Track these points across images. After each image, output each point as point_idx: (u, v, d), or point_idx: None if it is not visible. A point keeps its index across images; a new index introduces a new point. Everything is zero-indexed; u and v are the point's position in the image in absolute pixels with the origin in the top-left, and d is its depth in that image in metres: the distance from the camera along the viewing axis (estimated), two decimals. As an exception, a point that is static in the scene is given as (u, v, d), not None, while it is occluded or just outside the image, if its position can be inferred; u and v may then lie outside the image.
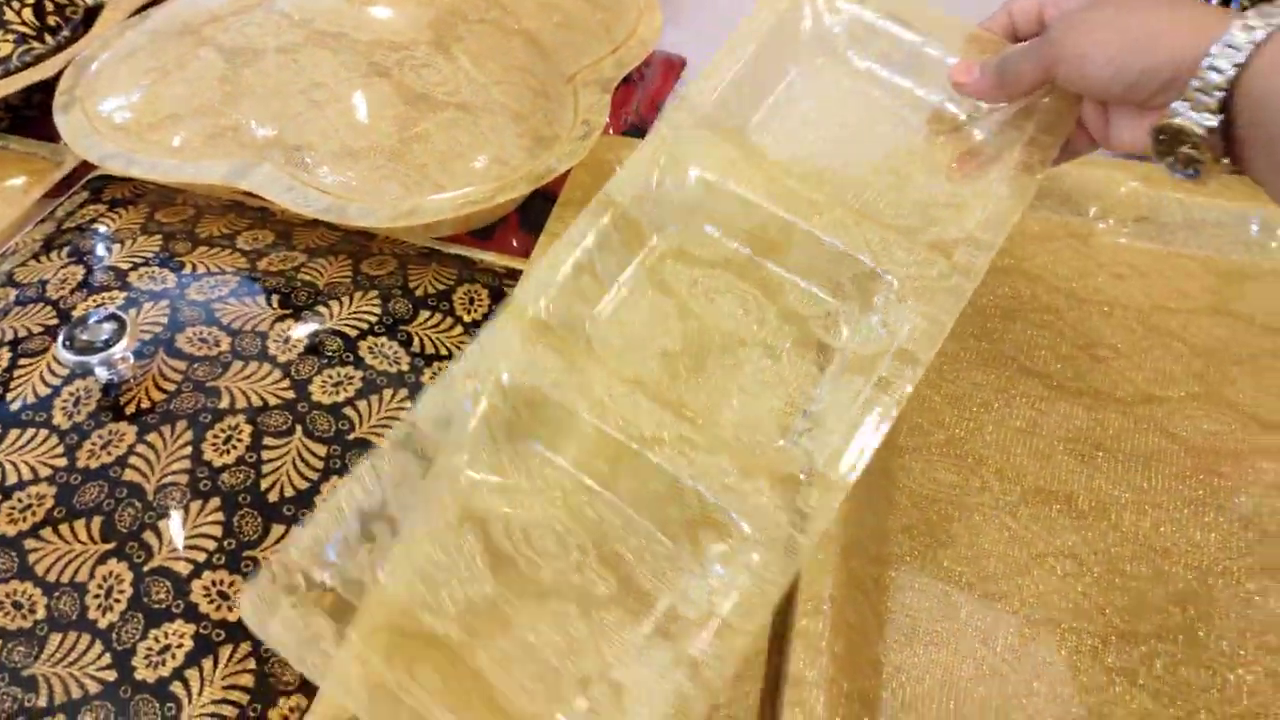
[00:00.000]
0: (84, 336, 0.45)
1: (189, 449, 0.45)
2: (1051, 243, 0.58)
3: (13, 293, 0.52)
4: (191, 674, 0.40)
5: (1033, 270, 0.57)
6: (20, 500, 0.43)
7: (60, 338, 0.45)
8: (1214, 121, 0.36)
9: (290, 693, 0.40)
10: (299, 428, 0.46)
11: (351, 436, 0.47)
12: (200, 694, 0.39)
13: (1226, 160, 0.37)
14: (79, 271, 0.53)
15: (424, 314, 0.53)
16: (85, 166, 0.62)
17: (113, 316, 0.46)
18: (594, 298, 0.43)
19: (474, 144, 0.57)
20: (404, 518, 0.38)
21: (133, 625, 0.41)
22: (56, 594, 0.41)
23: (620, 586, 0.39)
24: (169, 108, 0.58)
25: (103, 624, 0.41)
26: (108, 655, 0.40)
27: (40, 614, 0.41)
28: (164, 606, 0.41)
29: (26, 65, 0.66)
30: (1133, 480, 0.47)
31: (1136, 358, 0.52)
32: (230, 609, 0.41)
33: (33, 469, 0.44)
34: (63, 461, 0.44)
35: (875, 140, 0.48)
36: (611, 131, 0.69)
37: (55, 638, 0.40)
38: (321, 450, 0.46)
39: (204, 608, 0.41)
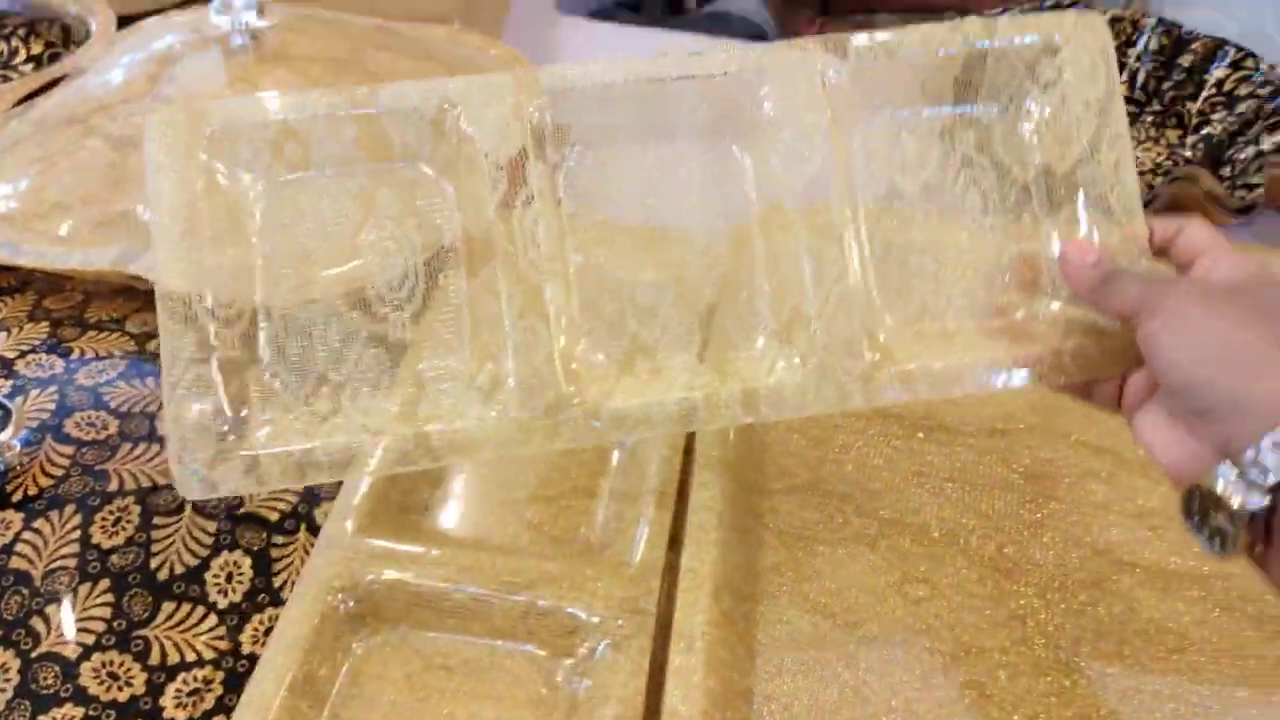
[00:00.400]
0: None
1: (78, 533, 0.46)
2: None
3: None
4: None
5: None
6: None
7: None
8: (1260, 505, 0.31)
9: None
10: (188, 505, 0.48)
11: (241, 512, 0.48)
12: None
13: (1260, 548, 0.33)
14: None
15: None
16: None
17: None
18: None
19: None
20: None
21: (19, 714, 0.41)
22: None
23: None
24: (55, 196, 0.60)
25: None
26: None
27: None
28: (52, 692, 0.42)
29: (-93, 158, 0.67)
30: (979, 508, 0.51)
31: (983, 396, 0.56)
32: (120, 689, 0.42)
33: None
34: None
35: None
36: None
37: None
38: (211, 526, 0.47)
39: (94, 689, 0.42)
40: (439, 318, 0.40)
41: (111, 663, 0.43)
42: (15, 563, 0.45)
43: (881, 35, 0.41)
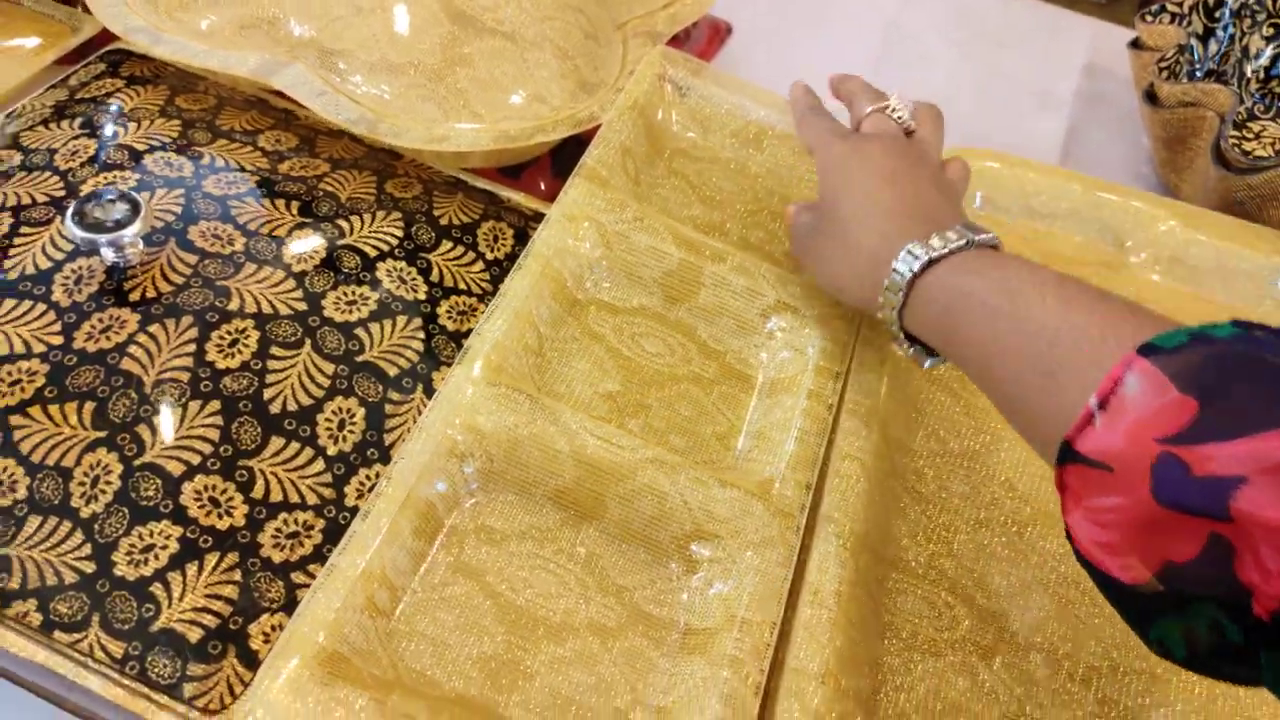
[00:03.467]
0: (96, 214, 0.43)
1: (193, 346, 0.43)
2: (1082, 268, 0.57)
3: (18, 156, 0.49)
4: (174, 577, 0.38)
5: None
6: (9, 374, 0.41)
7: (69, 211, 0.43)
8: (910, 350, 0.42)
9: (274, 610, 0.39)
10: (308, 341, 0.44)
11: (360, 359, 0.45)
12: (181, 599, 0.38)
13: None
14: (90, 145, 0.50)
15: (446, 244, 0.51)
16: (105, 37, 0.59)
17: (127, 197, 0.44)
18: (535, 348, 0.46)
19: (517, 77, 0.55)
20: (400, 582, 0.39)
21: (117, 519, 0.39)
22: (40, 476, 0.39)
23: (629, 615, 0.40)
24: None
25: (85, 513, 0.39)
26: (88, 546, 0.38)
27: (21, 494, 0.39)
28: (152, 505, 0.39)
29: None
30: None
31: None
32: (220, 516, 0.40)
33: (26, 343, 0.42)
34: (58, 340, 0.42)
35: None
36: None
37: (34, 520, 0.38)
38: (329, 369, 0.44)
39: (193, 511, 0.39)
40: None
41: (214, 488, 0.40)
42: (127, 364, 0.42)
43: None
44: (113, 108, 0.53)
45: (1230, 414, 0.27)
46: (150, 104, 0.54)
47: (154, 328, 0.43)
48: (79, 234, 0.42)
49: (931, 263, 0.39)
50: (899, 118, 0.48)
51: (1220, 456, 0.26)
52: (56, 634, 0.37)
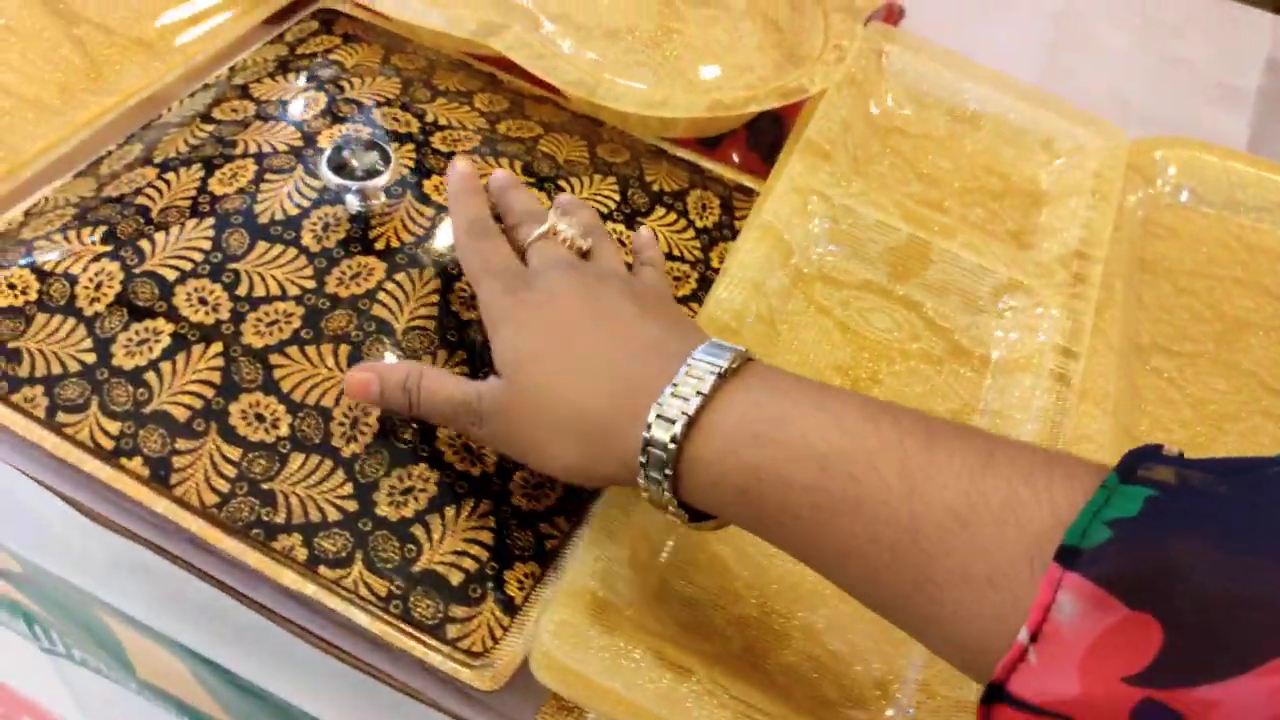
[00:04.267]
0: (353, 162, 0.43)
1: (436, 298, 0.43)
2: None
3: (252, 107, 0.50)
4: (433, 520, 0.38)
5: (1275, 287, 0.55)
6: (268, 314, 0.42)
7: (325, 157, 0.43)
8: (683, 518, 0.32)
9: (525, 559, 0.39)
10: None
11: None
12: (441, 541, 0.38)
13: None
14: (320, 97, 0.51)
15: (660, 210, 0.51)
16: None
17: (378, 147, 0.44)
18: (768, 318, 0.46)
19: (729, 47, 0.55)
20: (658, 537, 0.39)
21: (376, 461, 0.39)
22: (301, 415, 0.40)
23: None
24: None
25: (346, 453, 0.39)
26: (350, 485, 0.39)
27: (283, 431, 0.39)
28: (410, 448, 0.40)
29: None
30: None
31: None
32: (472, 463, 0.40)
33: (281, 286, 0.42)
34: (311, 284, 0.43)
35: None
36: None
37: (297, 457, 0.39)
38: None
39: (449, 457, 0.40)
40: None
41: (463, 436, 0.40)
42: (378, 310, 0.42)
43: None
44: (334, 63, 0.54)
45: (1210, 636, 0.21)
46: (368, 61, 0.54)
47: (400, 276, 0.43)
48: (334, 180, 0.43)
49: (691, 423, 0.30)
50: (567, 239, 0.39)
51: (1226, 702, 0.21)
52: (322, 569, 0.37)
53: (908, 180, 0.54)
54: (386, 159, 0.44)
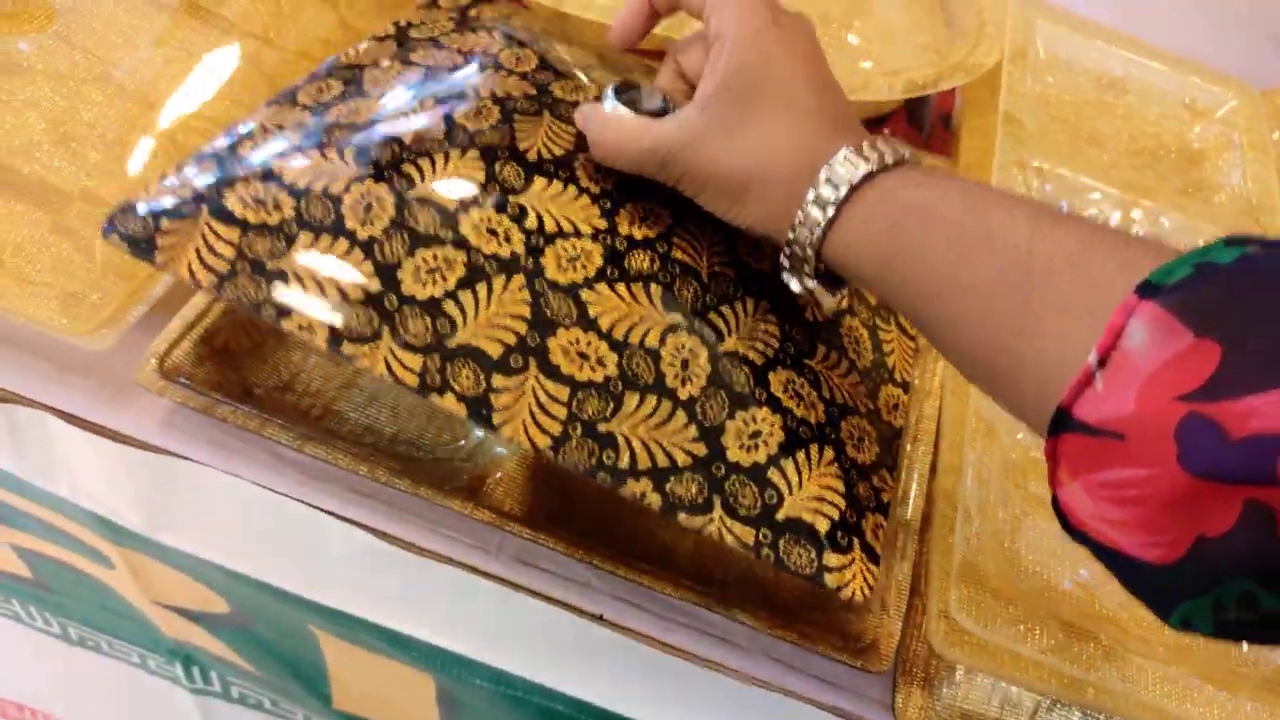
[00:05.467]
0: (642, 102, 0.40)
1: (723, 245, 0.42)
2: None
3: (458, 56, 0.46)
4: (787, 465, 0.37)
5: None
6: (566, 250, 0.39)
7: (611, 91, 0.40)
8: (812, 284, 0.36)
9: (873, 510, 0.39)
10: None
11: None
12: (800, 488, 0.37)
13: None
14: (530, 54, 0.47)
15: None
16: None
17: (660, 93, 0.41)
18: None
19: (911, 27, 0.57)
20: None
21: (717, 403, 0.38)
22: (626, 353, 0.38)
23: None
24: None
25: (683, 395, 0.37)
26: (694, 428, 0.37)
27: (611, 370, 0.37)
28: (747, 391, 0.38)
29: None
30: None
31: None
32: (809, 408, 0.39)
33: (573, 223, 0.40)
34: (603, 224, 0.40)
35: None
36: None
37: (632, 398, 0.37)
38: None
39: (786, 402, 0.39)
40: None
41: (794, 381, 0.40)
42: (677, 254, 0.41)
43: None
44: (519, 26, 0.51)
45: (1263, 357, 0.23)
46: (550, 30, 0.53)
47: (689, 224, 0.42)
48: (628, 114, 0.39)
49: (873, 174, 0.33)
50: None
51: (1264, 410, 0.22)
52: (681, 516, 0.36)
53: (1080, 146, 0.57)
54: (669, 103, 0.41)
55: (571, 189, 0.41)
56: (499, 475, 0.42)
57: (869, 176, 0.32)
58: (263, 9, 0.54)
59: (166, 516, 0.46)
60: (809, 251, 0.34)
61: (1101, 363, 0.25)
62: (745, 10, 0.36)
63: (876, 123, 0.62)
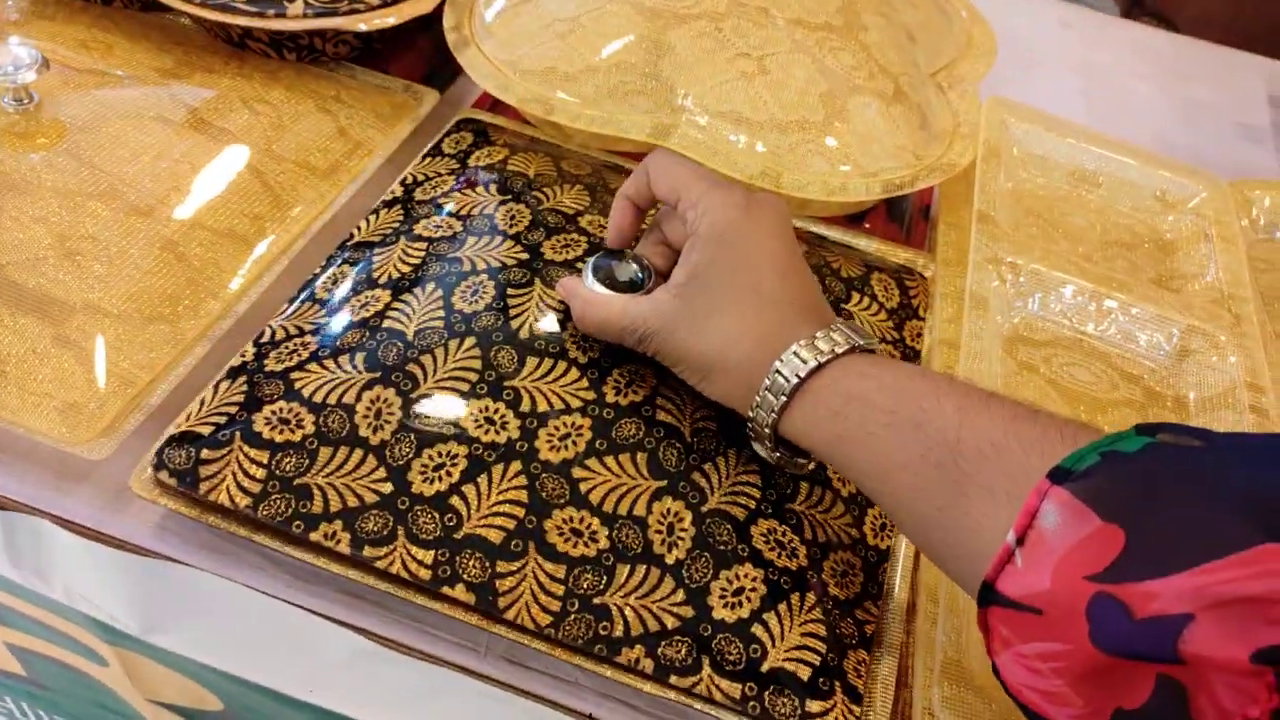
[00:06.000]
0: (616, 274, 0.45)
1: (706, 410, 0.45)
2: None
3: (457, 223, 0.51)
4: (769, 618, 0.40)
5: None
6: (558, 428, 0.43)
7: (590, 272, 0.45)
8: (774, 456, 0.40)
9: (855, 646, 0.41)
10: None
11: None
12: (782, 638, 0.40)
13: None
14: (524, 211, 0.52)
15: (855, 296, 0.54)
16: (441, 107, 0.62)
17: (638, 260, 0.46)
18: (998, 387, 0.50)
19: (886, 130, 0.59)
20: None
21: (702, 565, 0.41)
22: (617, 525, 0.41)
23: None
24: (585, 59, 0.58)
25: (670, 560, 0.40)
26: (681, 591, 0.40)
27: (603, 544, 0.40)
28: (729, 548, 0.41)
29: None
30: None
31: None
32: (790, 557, 0.42)
33: (564, 400, 0.44)
34: (591, 395, 0.44)
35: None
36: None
37: (623, 569, 0.40)
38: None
39: (767, 554, 0.41)
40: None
41: (774, 530, 0.42)
42: (661, 415, 0.44)
43: None
44: (517, 174, 0.55)
45: (1162, 543, 0.25)
46: (546, 170, 0.56)
47: (672, 382, 0.45)
48: (603, 293, 0.44)
49: (821, 365, 0.36)
50: None
51: (1164, 594, 0.24)
52: (673, 678, 0.39)
53: (1055, 239, 0.59)
54: (645, 269, 0.46)
55: (561, 364, 0.45)
56: (488, 576, 0.43)
57: (817, 369, 0.36)
58: (264, 121, 0.56)
59: (161, 619, 0.46)
60: (766, 430, 0.38)
61: (1020, 541, 0.28)
62: (719, 208, 0.40)
63: (858, 218, 0.63)
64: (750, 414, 0.39)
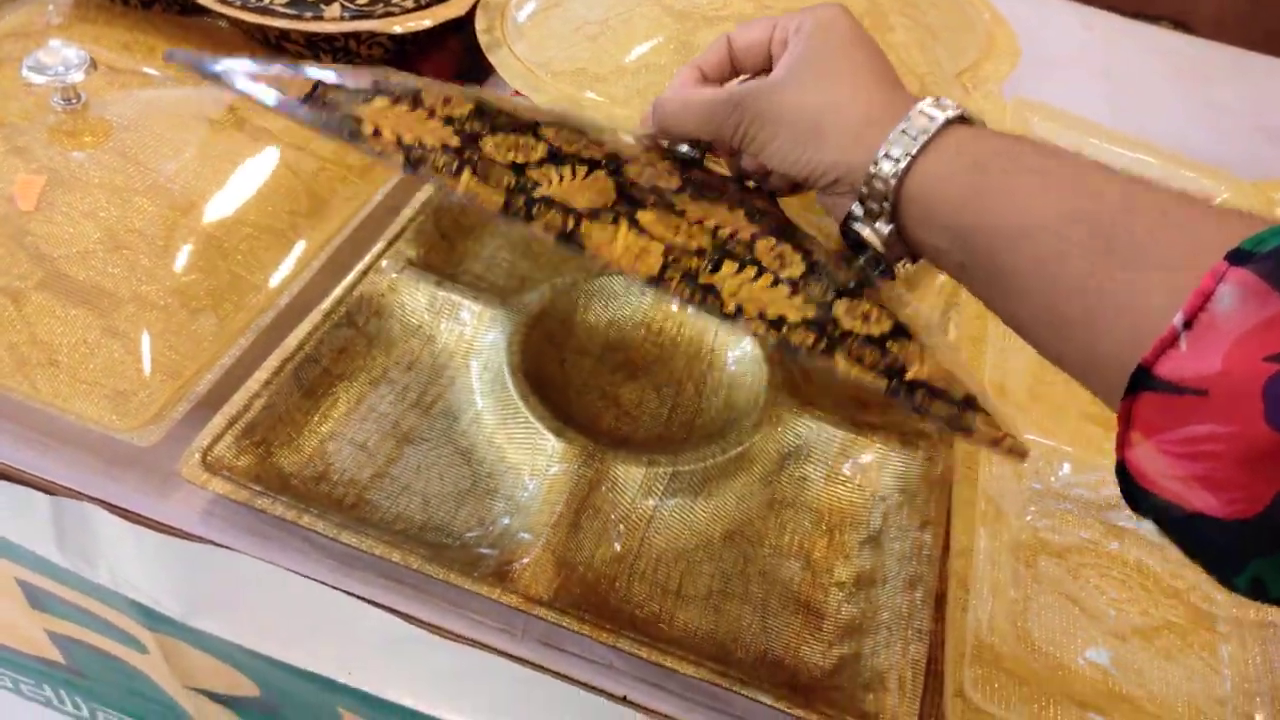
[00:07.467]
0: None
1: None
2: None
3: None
4: (903, 343, 0.33)
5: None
6: (647, 170, 0.36)
7: None
8: (887, 230, 0.34)
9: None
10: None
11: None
12: (921, 365, 0.33)
13: (909, 263, 0.36)
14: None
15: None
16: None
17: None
18: None
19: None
20: None
21: (819, 285, 0.34)
22: (719, 235, 0.35)
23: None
24: (615, 60, 0.59)
25: (784, 275, 0.34)
26: (799, 297, 0.34)
27: (704, 243, 0.34)
28: (848, 284, 0.35)
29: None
30: None
31: None
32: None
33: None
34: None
35: None
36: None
37: (730, 264, 0.34)
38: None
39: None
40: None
41: None
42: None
43: None
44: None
45: None
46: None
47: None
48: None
49: (962, 118, 0.33)
50: None
51: None
52: (801, 357, 0.34)
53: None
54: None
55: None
56: (524, 561, 0.44)
57: (959, 119, 0.33)
58: (301, 119, 0.58)
59: (204, 603, 0.47)
60: (890, 185, 0.33)
61: (1187, 324, 0.25)
62: (822, 8, 0.38)
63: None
64: (872, 169, 0.34)
